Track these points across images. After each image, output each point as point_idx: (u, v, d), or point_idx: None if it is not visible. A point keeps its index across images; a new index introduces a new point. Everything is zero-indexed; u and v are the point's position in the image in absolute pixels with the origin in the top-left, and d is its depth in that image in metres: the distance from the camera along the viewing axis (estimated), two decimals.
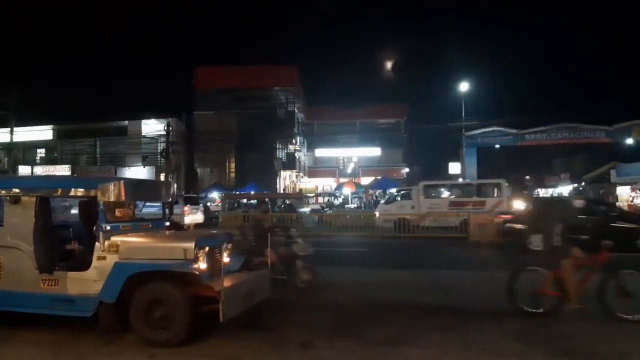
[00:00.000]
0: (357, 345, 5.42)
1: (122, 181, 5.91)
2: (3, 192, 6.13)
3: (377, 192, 36.30)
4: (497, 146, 33.22)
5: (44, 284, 5.73)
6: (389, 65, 54.88)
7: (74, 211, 7.87)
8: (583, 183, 39.26)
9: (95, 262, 5.68)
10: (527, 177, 49.55)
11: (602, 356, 5.12)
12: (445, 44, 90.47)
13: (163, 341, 5.32)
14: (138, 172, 35.34)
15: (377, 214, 21.62)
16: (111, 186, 5.81)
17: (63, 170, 36.03)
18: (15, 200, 5.94)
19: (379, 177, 38.39)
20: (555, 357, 5.06)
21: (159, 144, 35.44)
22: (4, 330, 5.82)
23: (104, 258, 5.65)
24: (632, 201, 31.71)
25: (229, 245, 6.43)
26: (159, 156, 34.09)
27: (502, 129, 30.47)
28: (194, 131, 38.85)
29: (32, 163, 38.26)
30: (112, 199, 5.84)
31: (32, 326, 5.93)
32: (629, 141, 30.36)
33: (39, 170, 36.30)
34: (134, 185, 6.48)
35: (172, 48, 78.98)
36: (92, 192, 5.83)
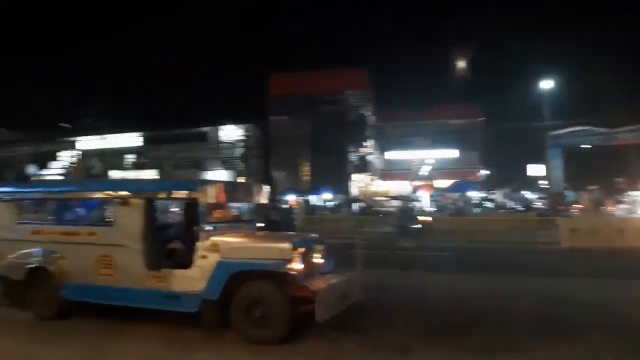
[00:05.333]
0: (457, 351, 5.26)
1: (221, 184, 6.14)
2: (113, 194, 6.56)
3: (456, 195, 35.15)
4: (586, 146, 31.05)
5: (151, 281, 6.00)
6: (462, 63, 53.15)
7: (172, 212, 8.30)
8: None
9: (197, 261, 5.87)
10: (619, 179, 45.99)
11: None
12: (523, 38, 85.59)
13: (263, 339, 5.44)
14: (220, 175, 36.78)
15: None
16: (211, 188, 6.07)
17: (151, 174, 38.30)
18: (125, 202, 6.32)
19: (457, 180, 37.26)
20: None
21: (236, 149, 36.83)
22: (116, 324, 6.21)
23: (205, 257, 5.84)
24: None
25: (322, 247, 6.49)
26: (238, 160, 35.42)
27: (590, 127, 28.49)
28: (269, 136, 39.96)
29: (120, 168, 41.04)
30: (212, 200, 6.09)
31: (139, 321, 6.28)
32: None
33: (132, 175, 38.79)
34: (231, 188, 6.72)
35: (246, 54, 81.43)
36: (194, 194, 6.08)
